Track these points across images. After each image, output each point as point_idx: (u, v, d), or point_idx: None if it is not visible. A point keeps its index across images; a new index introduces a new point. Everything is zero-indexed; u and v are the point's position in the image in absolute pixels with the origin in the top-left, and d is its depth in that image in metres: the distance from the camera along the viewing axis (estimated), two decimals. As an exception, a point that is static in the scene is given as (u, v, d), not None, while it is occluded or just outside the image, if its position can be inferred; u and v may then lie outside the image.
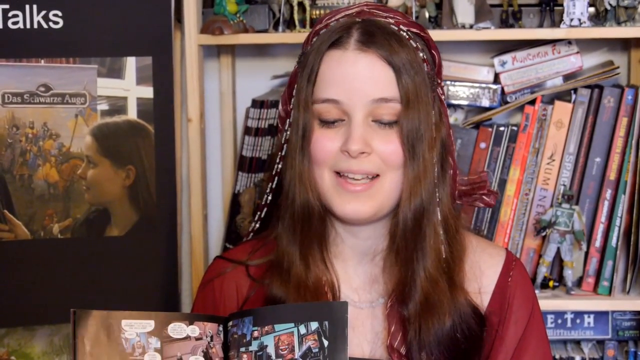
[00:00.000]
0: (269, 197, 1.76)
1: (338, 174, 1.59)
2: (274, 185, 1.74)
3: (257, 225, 1.79)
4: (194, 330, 1.47)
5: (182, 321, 1.48)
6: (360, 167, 1.57)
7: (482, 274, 1.69)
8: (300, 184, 1.61)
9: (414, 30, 1.65)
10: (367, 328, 1.66)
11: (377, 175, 1.59)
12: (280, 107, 1.76)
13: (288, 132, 1.67)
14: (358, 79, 1.58)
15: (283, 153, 1.69)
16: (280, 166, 1.71)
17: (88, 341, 1.45)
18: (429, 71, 1.63)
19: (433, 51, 1.67)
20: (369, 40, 1.59)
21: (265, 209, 1.77)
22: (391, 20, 1.64)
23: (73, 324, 1.45)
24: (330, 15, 1.67)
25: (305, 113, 1.61)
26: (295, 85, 1.66)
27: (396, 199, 1.61)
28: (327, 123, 1.60)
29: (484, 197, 1.81)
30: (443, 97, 1.69)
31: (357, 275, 1.69)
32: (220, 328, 1.50)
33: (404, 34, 1.62)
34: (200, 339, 1.47)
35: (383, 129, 1.59)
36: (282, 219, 1.66)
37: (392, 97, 1.58)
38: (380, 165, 1.58)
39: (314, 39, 1.65)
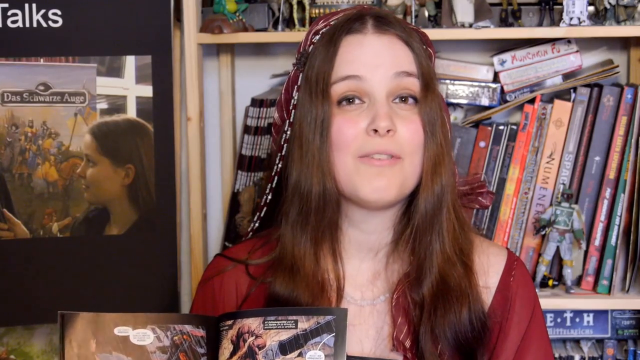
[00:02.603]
0: (269, 197, 1.77)
1: (361, 159, 1.60)
2: (273, 185, 1.75)
3: (257, 225, 1.80)
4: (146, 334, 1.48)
5: (160, 323, 1.48)
6: (387, 147, 1.58)
7: (486, 271, 1.70)
8: (317, 172, 1.61)
9: (412, 27, 1.69)
10: (369, 325, 1.66)
11: (399, 158, 1.60)
12: (275, 114, 1.76)
13: (288, 133, 1.68)
14: (380, 56, 1.61)
15: (284, 152, 1.69)
16: (280, 166, 1.72)
17: (76, 343, 1.45)
18: (432, 65, 1.67)
19: (429, 48, 1.70)
20: (386, 24, 1.64)
21: (264, 209, 1.78)
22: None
23: (61, 327, 1.46)
24: (327, 17, 1.70)
25: (322, 99, 1.61)
26: (302, 82, 1.67)
27: (416, 182, 1.63)
28: (346, 104, 1.61)
29: (479, 198, 1.82)
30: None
31: (360, 273, 1.69)
32: (201, 329, 1.51)
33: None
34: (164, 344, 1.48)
35: (403, 110, 1.61)
36: (286, 215, 1.66)
37: (412, 72, 1.62)
38: (402, 147, 1.59)
39: (315, 38, 1.66)
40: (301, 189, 1.63)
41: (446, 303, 1.61)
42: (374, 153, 1.59)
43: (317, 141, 1.61)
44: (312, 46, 1.67)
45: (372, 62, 1.60)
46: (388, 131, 1.58)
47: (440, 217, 1.63)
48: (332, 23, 1.67)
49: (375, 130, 1.58)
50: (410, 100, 1.62)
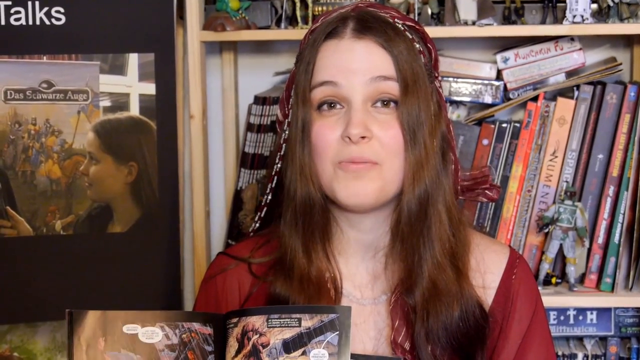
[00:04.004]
0: (269, 197, 1.76)
1: (339, 164, 1.59)
2: (273, 185, 1.74)
3: (257, 225, 1.80)
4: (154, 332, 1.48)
5: (168, 321, 1.48)
6: (362, 154, 1.57)
7: (487, 270, 1.69)
8: (301, 176, 1.61)
9: (409, 23, 1.67)
10: (369, 325, 1.66)
11: (376, 164, 1.58)
12: (278, 111, 1.76)
13: (287, 132, 1.68)
14: (355, 62, 1.59)
15: (282, 152, 1.69)
16: (279, 165, 1.72)
17: (85, 341, 1.45)
18: (426, 63, 1.65)
19: (429, 44, 1.69)
20: (365, 28, 1.61)
21: (265, 209, 1.77)
22: (386, 15, 1.66)
23: (69, 324, 1.45)
24: (325, 15, 1.68)
25: (303, 105, 1.61)
26: (294, 84, 1.67)
27: (398, 186, 1.61)
28: (325, 109, 1.60)
29: (486, 191, 1.81)
30: (441, 90, 1.69)
31: (359, 272, 1.69)
32: (209, 327, 1.50)
33: (400, 26, 1.64)
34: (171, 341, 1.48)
35: (382, 115, 1.59)
36: (283, 216, 1.66)
37: (390, 75, 1.59)
38: (379, 153, 1.58)
39: (311, 37, 1.66)
40: (291, 192, 1.64)
41: (437, 307, 1.60)
42: (350, 160, 1.58)
43: (299, 146, 1.61)
44: (306, 45, 1.67)
45: (347, 67, 1.59)
46: (363, 137, 1.57)
47: (427, 221, 1.61)
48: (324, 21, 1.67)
49: (349, 137, 1.57)
50: (392, 104, 1.60)
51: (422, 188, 1.60)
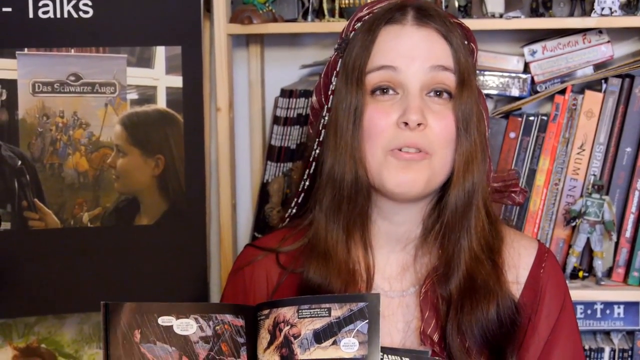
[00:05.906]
0: (307, 183, 1.76)
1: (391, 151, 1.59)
2: (311, 171, 1.74)
3: (294, 211, 1.79)
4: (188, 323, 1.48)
5: (202, 313, 1.48)
6: (417, 140, 1.57)
7: (516, 265, 1.69)
8: (350, 160, 1.60)
9: (456, 21, 1.68)
10: (397, 317, 1.66)
11: (428, 154, 1.59)
12: (314, 97, 1.76)
13: (326, 118, 1.68)
14: (416, 48, 1.60)
15: (321, 138, 1.69)
16: (317, 151, 1.71)
17: (120, 333, 1.45)
18: (471, 61, 1.66)
19: (472, 44, 1.68)
20: (426, 17, 1.62)
21: (302, 195, 1.77)
22: None
23: (104, 317, 1.45)
24: (372, 5, 1.69)
25: (357, 88, 1.61)
26: (340, 68, 1.67)
27: (444, 178, 1.62)
28: (380, 94, 1.60)
29: (512, 195, 1.81)
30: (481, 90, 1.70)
31: (389, 264, 1.69)
32: (240, 319, 1.51)
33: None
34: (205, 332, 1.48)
35: (436, 105, 1.60)
36: (320, 202, 1.66)
37: (449, 66, 1.60)
38: (432, 142, 1.58)
39: (357, 25, 1.66)
40: (334, 177, 1.63)
41: (473, 300, 1.60)
42: (403, 146, 1.58)
43: (349, 129, 1.61)
44: (353, 32, 1.67)
45: (409, 53, 1.60)
46: (419, 125, 1.57)
47: (470, 214, 1.63)
48: (375, 11, 1.67)
49: (406, 123, 1.57)
50: (445, 95, 1.61)
51: (471, 181, 1.61)
